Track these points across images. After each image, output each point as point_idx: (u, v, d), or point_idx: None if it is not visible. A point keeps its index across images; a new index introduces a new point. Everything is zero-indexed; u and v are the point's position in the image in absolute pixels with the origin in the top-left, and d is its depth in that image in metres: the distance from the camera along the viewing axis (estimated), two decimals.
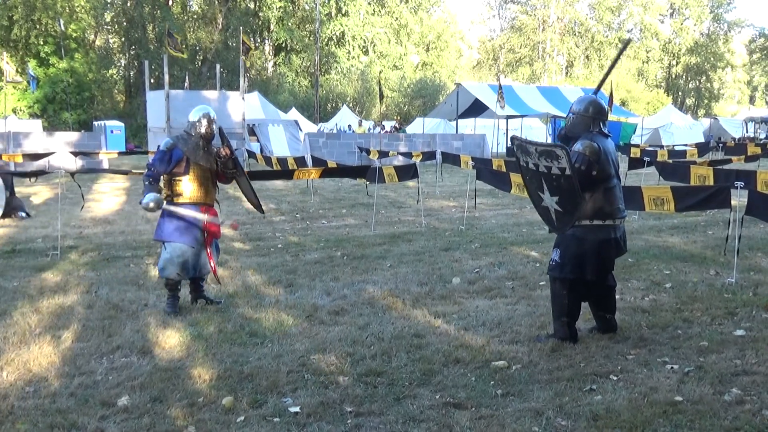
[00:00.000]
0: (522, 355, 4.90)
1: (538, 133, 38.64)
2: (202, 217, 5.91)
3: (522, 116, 34.48)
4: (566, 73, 72.89)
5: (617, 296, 6.42)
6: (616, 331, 5.34)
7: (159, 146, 6.02)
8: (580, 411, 3.96)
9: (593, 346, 5.07)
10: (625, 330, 5.41)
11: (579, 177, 4.76)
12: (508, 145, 32.84)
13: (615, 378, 4.47)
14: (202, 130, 5.94)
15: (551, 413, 3.94)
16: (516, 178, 9.77)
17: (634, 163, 14.39)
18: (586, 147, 4.91)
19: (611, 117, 35.24)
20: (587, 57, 73.29)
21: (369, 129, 36.00)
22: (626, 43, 7.80)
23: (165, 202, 5.90)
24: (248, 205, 13.29)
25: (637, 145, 24.90)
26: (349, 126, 36.63)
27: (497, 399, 4.16)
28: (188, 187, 5.90)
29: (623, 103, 52.02)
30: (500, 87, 29.76)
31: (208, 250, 5.98)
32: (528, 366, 4.69)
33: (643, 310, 5.97)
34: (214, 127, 5.99)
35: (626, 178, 14.79)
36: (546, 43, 72.23)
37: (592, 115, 5.15)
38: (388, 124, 37.40)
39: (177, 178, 5.89)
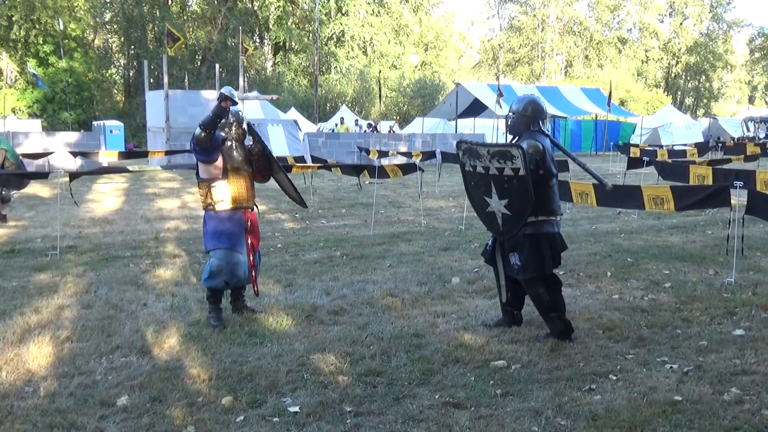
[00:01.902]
0: (521, 354, 4.90)
1: None
2: (244, 222, 5.69)
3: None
4: (565, 73, 72.92)
5: (616, 296, 6.46)
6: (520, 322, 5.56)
7: (194, 134, 5.56)
8: (579, 411, 3.97)
9: (592, 345, 5.08)
10: (624, 330, 5.42)
11: (532, 188, 4.87)
12: None
13: (614, 377, 4.47)
14: (233, 133, 5.66)
15: (550, 413, 3.94)
16: None
17: (634, 163, 14.39)
18: (530, 146, 5.00)
19: (610, 117, 35.35)
20: (586, 56, 73.29)
21: (359, 128, 35.87)
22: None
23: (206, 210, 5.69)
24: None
25: (636, 145, 24.88)
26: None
27: (497, 399, 4.16)
28: (228, 192, 5.59)
29: (622, 103, 52.08)
30: (499, 87, 29.78)
31: (251, 258, 5.74)
32: (527, 366, 4.69)
33: (643, 310, 5.97)
34: (245, 126, 5.71)
35: (625, 178, 14.82)
36: (545, 42, 72.24)
37: (531, 114, 5.25)
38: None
39: (215, 184, 5.57)
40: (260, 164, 5.83)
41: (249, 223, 5.72)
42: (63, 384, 4.38)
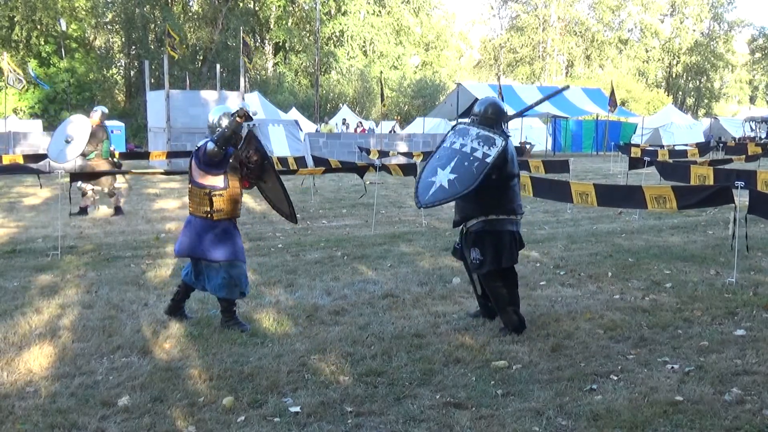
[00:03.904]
0: (522, 354, 4.90)
1: (539, 132, 38.67)
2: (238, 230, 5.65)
3: (522, 116, 34.49)
4: (566, 73, 72.92)
5: (617, 296, 6.46)
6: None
7: (206, 145, 5.41)
8: (580, 411, 3.96)
9: (594, 345, 5.08)
10: (625, 330, 5.42)
11: (483, 177, 5.00)
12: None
13: (615, 378, 4.47)
14: (246, 152, 5.51)
15: (551, 413, 3.94)
16: None
17: (635, 163, 14.38)
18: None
19: (611, 117, 35.34)
20: (587, 57, 73.32)
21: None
22: (564, 88, 8.29)
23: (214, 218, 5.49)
24: (249, 204, 13.28)
25: (637, 145, 24.89)
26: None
27: (497, 399, 4.16)
28: (227, 201, 5.47)
29: (623, 103, 52.04)
30: (500, 87, 29.78)
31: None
32: (528, 366, 4.69)
33: (644, 310, 5.97)
34: (244, 129, 5.52)
35: (627, 178, 14.82)
36: (546, 42, 72.23)
37: (492, 116, 5.36)
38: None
39: (217, 193, 5.41)
40: (252, 173, 5.66)
41: (239, 232, 5.68)
42: (64, 384, 4.38)
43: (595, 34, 72.21)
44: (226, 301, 5.56)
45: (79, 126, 11.50)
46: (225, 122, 5.48)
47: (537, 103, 6.58)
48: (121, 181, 13.31)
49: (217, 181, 5.43)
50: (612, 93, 33.27)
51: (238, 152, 5.51)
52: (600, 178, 19.06)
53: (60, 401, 4.12)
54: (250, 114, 5.33)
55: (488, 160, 5.01)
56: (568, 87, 7.88)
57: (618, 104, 35.74)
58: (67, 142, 11.27)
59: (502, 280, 5.39)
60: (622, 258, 8.18)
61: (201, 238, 5.47)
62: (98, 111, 11.95)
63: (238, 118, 5.28)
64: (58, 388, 4.33)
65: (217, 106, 5.98)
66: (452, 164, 5.19)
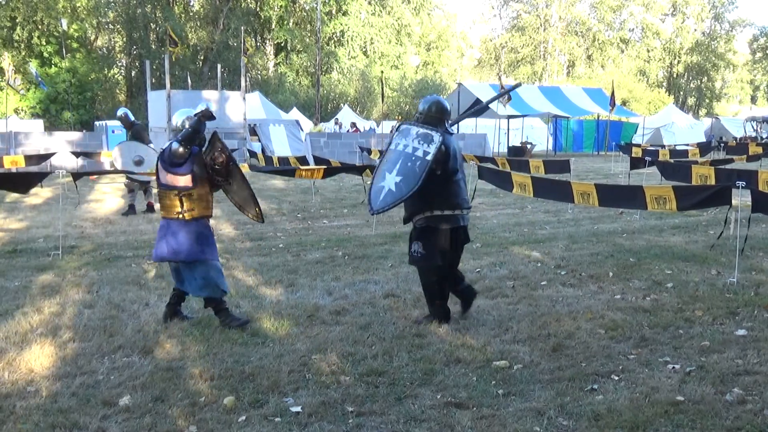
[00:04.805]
0: (523, 354, 4.90)
1: (540, 132, 38.67)
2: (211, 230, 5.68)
3: (523, 116, 34.52)
4: (567, 73, 72.90)
5: (618, 296, 6.45)
6: (476, 295, 5.94)
7: (170, 145, 5.43)
8: (581, 411, 3.96)
9: (594, 345, 5.07)
10: (626, 330, 5.42)
11: (425, 176, 5.18)
12: (510, 145, 32.87)
13: (616, 378, 4.47)
14: (213, 153, 5.52)
15: (553, 413, 3.94)
16: (517, 178, 9.76)
17: (636, 163, 14.38)
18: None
19: (612, 117, 35.32)
20: (589, 57, 73.29)
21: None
22: (516, 85, 8.24)
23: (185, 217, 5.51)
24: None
25: (638, 145, 24.90)
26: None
27: (498, 399, 4.16)
28: (197, 200, 5.50)
29: (624, 103, 52.04)
30: (501, 87, 29.75)
31: None
32: (529, 366, 4.69)
33: (645, 310, 5.97)
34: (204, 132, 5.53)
35: (628, 179, 14.82)
36: (548, 42, 72.21)
37: (436, 114, 5.50)
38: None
39: (187, 192, 5.45)
40: (218, 174, 5.60)
41: (212, 232, 5.67)
42: (65, 384, 4.39)
43: (596, 34, 72.19)
44: (212, 301, 5.58)
45: (151, 151, 11.50)
46: (188, 125, 5.52)
47: (488, 102, 6.92)
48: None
49: (185, 181, 5.45)
50: (612, 93, 33.27)
51: (203, 154, 5.53)
52: (601, 178, 19.06)
53: (61, 401, 4.12)
54: (212, 114, 5.42)
55: (428, 157, 5.19)
56: (520, 84, 7.90)
57: (617, 104, 35.72)
58: (137, 163, 11.26)
59: (437, 275, 5.55)
60: (624, 258, 8.18)
61: (174, 241, 5.47)
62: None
63: (201, 117, 5.35)
64: (59, 387, 4.33)
65: (181, 109, 6.00)
66: (397, 166, 5.36)
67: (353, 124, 34.56)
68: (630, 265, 7.79)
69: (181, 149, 5.31)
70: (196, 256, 5.48)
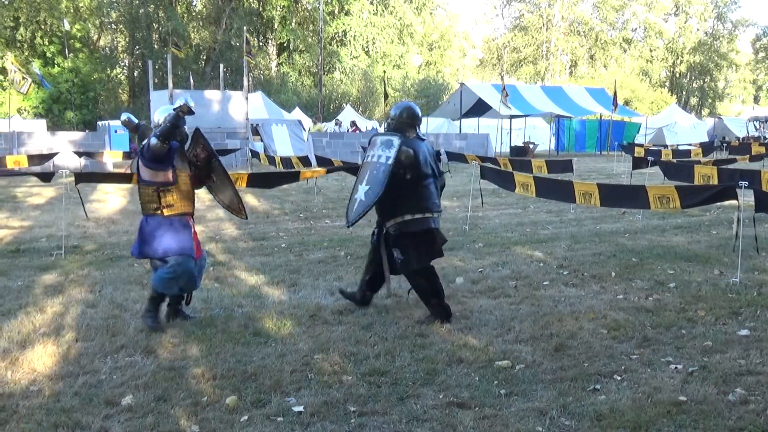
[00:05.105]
0: (525, 354, 4.90)
1: (542, 132, 38.67)
2: (193, 230, 5.60)
3: (525, 116, 34.51)
4: (570, 73, 72.85)
5: (621, 296, 6.45)
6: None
7: (149, 141, 5.34)
8: (583, 411, 3.96)
9: (597, 345, 5.07)
10: (628, 330, 5.41)
11: (392, 177, 5.33)
12: (512, 145, 32.85)
13: (619, 378, 4.47)
14: (195, 149, 5.54)
15: (555, 413, 3.94)
16: (520, 178, 9.75)
17: (638, 163, 14.35)
18: (402, 153, 5.37)
19: (615, 117, 35.29)
20: (591, 56, 73.24)
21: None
22: None
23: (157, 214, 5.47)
24: (252, 203, 13.29)
25: (641, 145, 24.88)
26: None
27: (501, 399, 4.16)
28: (177, 197, 5.45)
29: (627, 103, 52.01)
30: (504, 87, 29.75)
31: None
32: (531, 366, 4.69)
33: (647, 310, 5.96)
34: (185, 128, 5.50)
35: (630, 179, 14.79)
36: (550, 42, 72.17)
37: (407, 119, 5.68)
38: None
39: (165, 188, 5.40)
40: (200, 172, 5.62)
41: (194, 229, 5.63)
42: (68, 383, 4.39)
43: (599, 33, 72.14)
44: (156, 293, 5.50)
45: None
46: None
47: None
48: None
49: (164, 176, 5.41)
50: (615, 93, 33.23)
51: (185, 150, 5.51)
52: (603, 178, 19.04)
53: (64, 400, 4.13)
54: (191, 109, 5.37)
55: (389, 162, 5.35)
56: None
57: (620, 104, 35.66)
58: None
59: (423, 275, 5.65)
60: (626, 258, 8.17)
61: (151, 237, 5.43)
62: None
63: (180, 113, 5.30)
64: (61, 387, 4.34)
65: (162, 106, 5.95)
66: (366, 176, 5.58)
67: (353, 123, 34.56)
68: (632, 265, 7.79)
69: (158, 145, 5.23)
70: (168, 252, 5.41)
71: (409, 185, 5.50)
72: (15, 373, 4.54)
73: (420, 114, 5.85)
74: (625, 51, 72.53)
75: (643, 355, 4.89)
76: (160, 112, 5.68)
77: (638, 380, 4.42)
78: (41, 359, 4.79)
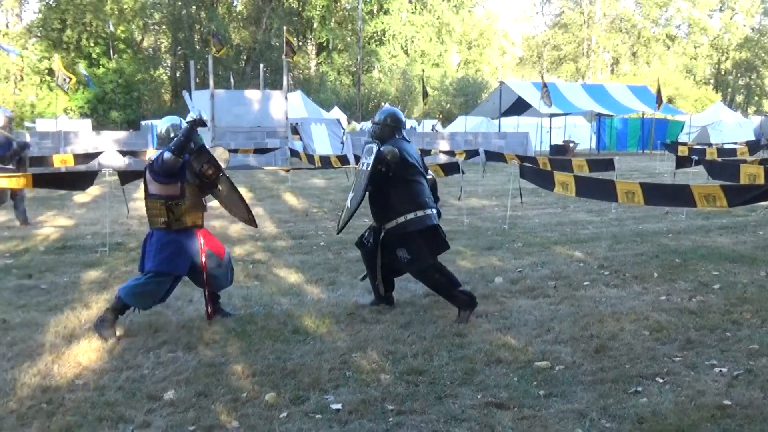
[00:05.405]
0: (565, 355, 4.84)
1: (583, 131, 38.17)
2: (200, 242, 5.51)
3: (566, 114, 34.11)
4: (612, 70, 71.78)
5: (663, 297, 6.34)
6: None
7: (162, 155, 5.23)
8: (625, 413, 3.90)
9: (638, 347, 4.99)
10: (671, 331, 5.32)
11: (377, 176, 5.60)
12: (552, 144, 32.52)
13: (661, 380, 4.39)
14: (204, 166, 5.40)
15: (595, 415, 3.89)
16: (559, 177, 9.63)
17: (682, 162, 14.09)
18: (389, 152, 5.56)
19: (658, 115, 34.66)
20: (633, 54, 72.05)
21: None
22: None
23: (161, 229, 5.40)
24: (291, 202, 13.41)
25: (684, 144, 24.38)
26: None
27: (540, 399, 4.12)
28: (186, 210, 5.39)
29: (670, 101, 51.01)
30: (544, 84, 29.44)
31: (205, 275, 5.53)
32: (571, 367, 4.63)
33: (691, 312, 5.85)
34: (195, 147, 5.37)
35: (674, 178, 14.52)
36: (591, 39, 71.19)
37: (392, 123, 5.92)
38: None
39: (174, 202, 5.34)
40: (206, 185, 5.54)
41: (202, 241, 5.53)
42: (112, 378, 4.48)
43: (642, 30, 70.89)
44: (122, 302, 5.32)
45: (220, 155, 11.68)
46: (173, 133, 5.45)
47: None
48: None
49: (173, 190, 5.33)
50: (658, 90, 32.62)
51: (191, 160, 5.40)
52: (646, 177, 18.73)
53: (108, 394, 4.22)
54: (204, 121, 5.34)
55: (369, 168, 5.60)
56: None
57: (664, 101, 34.98)
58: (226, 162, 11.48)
59: (435, 269, 5.75)
60: (669, 258, 8.03)
61: (153, 251, 5.34)
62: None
63: (193, 125, 5.23)
64: (106, 381, 4.43)
65: (166, 117, 5.86)
66: (354, 185, 5.95)
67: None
68: (675, 265, 7.65)
69: (173, 159, 5.14)
70: (155, 267, 5.30)
71: (400, 184, 5.68)
72: (61, 367, 4.65)
73: (404, 118, 6.14)
74: (668, 48, 71.14)
75: (686, 357, 4.80)
76: (162, 123, 5.67)
77: (681, 383, 4.34)
78: (86, 354, 4.90)
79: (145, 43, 51.79)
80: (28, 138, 18.93)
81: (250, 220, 5.84)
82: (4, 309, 6.05)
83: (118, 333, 5.28)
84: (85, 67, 39.42)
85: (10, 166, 10.36)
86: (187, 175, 5.39)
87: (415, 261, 5.70)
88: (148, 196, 5.44)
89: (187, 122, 5.33)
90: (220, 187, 5.66)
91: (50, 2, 43.94)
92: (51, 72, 37.18)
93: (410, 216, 5.64)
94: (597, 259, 8.05)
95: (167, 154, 5.16)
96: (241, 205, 5.76)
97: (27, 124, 35.38)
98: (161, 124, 5.66)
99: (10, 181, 9.09)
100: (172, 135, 5.49)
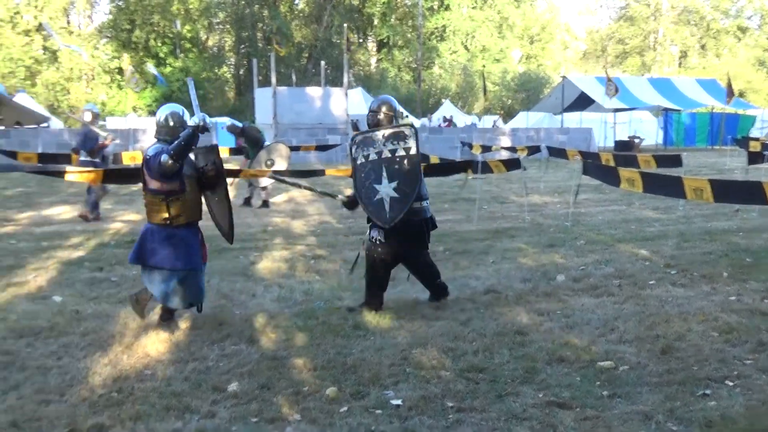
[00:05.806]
0: (629, 356, 4.74)
1: (649, 126, 37.21)
2: (200, 236, 5.52)
3: (631, 109, 33.31)
4: (680, 64, 69.71)
5: (733, 297, 6.13)
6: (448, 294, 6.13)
7: (159, 157, 5.07)
8: (692, 416, 3.79)
9: (707, 348, 4.84)
10: (742, 333, 5.13)
11: (420, 170, 5.69)
12: (617, 139, 31.81)
13: (731, 383, 4.25)
14: (208, 168, 5.36)
15: (661, 417, 3.79)
16: (625, 173, 9.42)
17: (754, 158, 13.58)
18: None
19: (728, 109, 33.49)
20: (702, 46, 69.78)
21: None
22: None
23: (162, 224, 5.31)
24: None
25: (756, 139, 23.49)
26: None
27: (603, 400, 4.05)
28: (186, 206, 5.32)
29: (741, 95, 49.24)
30: (608, 79, 28.82)
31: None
32: (636, 367, 4.53)
33: (763, 313, 5.64)
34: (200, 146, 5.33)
35: (746, 174, 14.02)
36: (658, 32, 69.27)
37: (387, 112, 5.93)
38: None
39: (175, 197, 5.23)
40: (204, 185, 5.49)
41: (201, 236, 5.54)
42: (178, 369, 4.60)
43: (711, 22, 68.59)
44: (167, 306, 5.41)
45: (281, 152, 12.09)
46: (172, 122, 5.32)
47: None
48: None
49: (173, 185, 5.21)
50: (729, 84, 31.53)
51: (195, 155, 5.35)
52: (715, 173, 18.16)
53: (174, 384, 4.33)
54: (208, 128, 5.15)
55: (412, 152, 5.61)
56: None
57: (735, 95, 33.79)
58: (268, 165, 11.83)
59: (389, 264, 5.86)
60: (739, 257, 7.76)
61: (155, 246, 5.28)
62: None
63: (195, 131, 5.06)
64: (172, 372, 4.55)
65: (164, 104, 5.71)
66: (385, 174, 5.63)
67: (445, 119, 34.39)
68: (746, 265, 7.39)
69: (170, 163, 4.99)
70: (171, 264, 5.28)
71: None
72: (130, 358, 4.80)
73: (398, 107, 6.15)
74: (739, 40, 68.60)
75: (757, 360, 4.63)
76: (161, 111, 5.49)
77: (752, 387, 4.19)
78: (154, 345, 5.04)
79: (209, 42, 52.93)
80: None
81: (229, 235, 5.79)
82: (77, 300, 6.28)
83: (181, 326, 5.43)
84: (154, 65, 40.55)
85: (97, 160, 10.87)
86: (185, 168, 5.25)
87: (371, 248, 5.82)
88: (146, 190, 5.32)
89: (189, 127, 5.15)
90: (216, 191, 5.59)
91: (120, 3, 45.36)
92: (121, 71, 38.40)
93: (417, 205, 5.76)
94: (663, 258, 7.85)
95: (164, 158, 5.00)
96: (227, 219, 5.64)
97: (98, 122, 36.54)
98: (160, 113, 5.47)
99: (81, 176, 9.41)
100: (171, 124, 5.33)
